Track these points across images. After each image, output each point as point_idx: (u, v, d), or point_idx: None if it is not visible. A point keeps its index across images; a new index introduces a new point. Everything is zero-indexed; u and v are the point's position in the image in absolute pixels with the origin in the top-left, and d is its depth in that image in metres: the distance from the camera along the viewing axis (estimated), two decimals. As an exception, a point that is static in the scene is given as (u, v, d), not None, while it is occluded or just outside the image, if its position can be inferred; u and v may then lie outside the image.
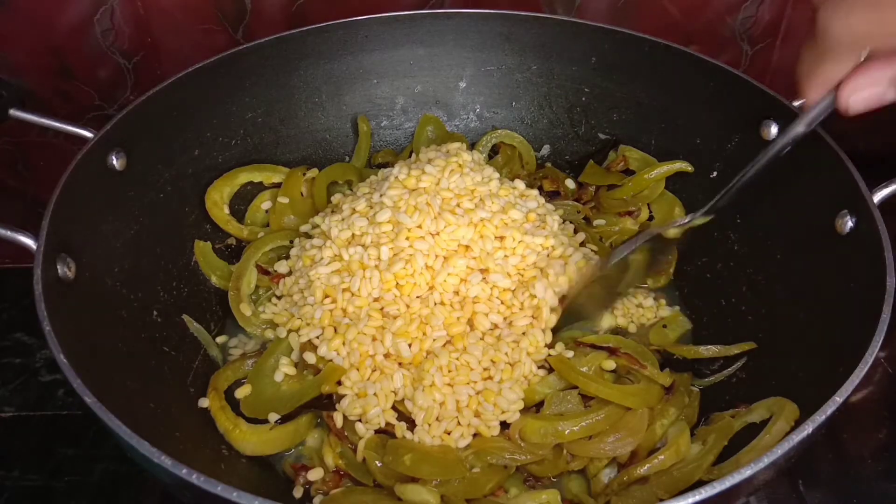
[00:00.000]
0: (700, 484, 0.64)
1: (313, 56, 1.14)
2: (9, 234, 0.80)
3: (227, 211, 1.09)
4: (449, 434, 0.85)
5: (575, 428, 0.83)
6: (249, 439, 0.86)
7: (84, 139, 0.92)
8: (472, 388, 0.87)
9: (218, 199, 1.08)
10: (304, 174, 1.14)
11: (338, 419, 0.87)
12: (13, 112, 0.97)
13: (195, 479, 0.62)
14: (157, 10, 1.18)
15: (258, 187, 1.13)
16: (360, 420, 0.87)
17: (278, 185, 1.13)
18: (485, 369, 0.89)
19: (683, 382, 0.90)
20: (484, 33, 1.17)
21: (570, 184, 1.16)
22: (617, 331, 0.99)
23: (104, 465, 1.00)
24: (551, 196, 1.13)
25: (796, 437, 0.65)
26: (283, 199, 1.11)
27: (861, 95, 0.69)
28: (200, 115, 1.06)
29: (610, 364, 0.90)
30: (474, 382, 0.88)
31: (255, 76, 1.11)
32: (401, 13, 1.15)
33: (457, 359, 0.88)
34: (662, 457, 0.80)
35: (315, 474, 0.84)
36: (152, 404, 0.82)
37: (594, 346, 0.92)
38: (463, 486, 0.80)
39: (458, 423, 0.86)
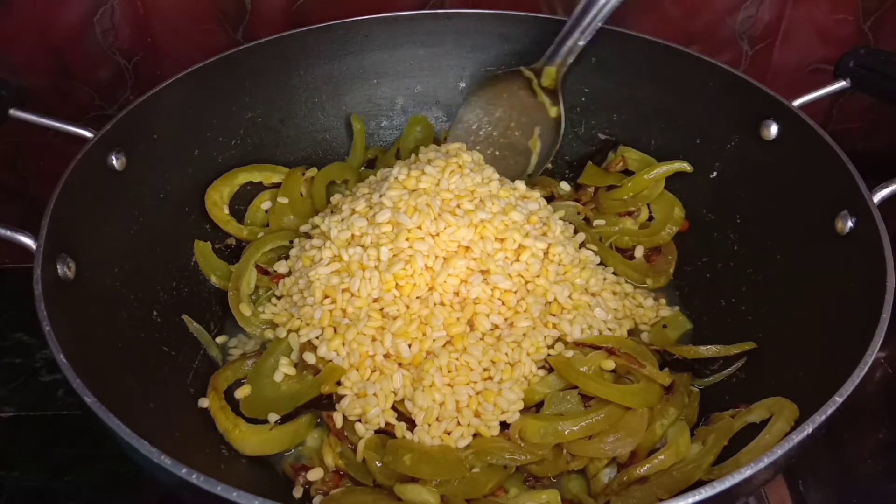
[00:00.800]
0: (700, 484, 0.64)
1: (313, 56, 1.15)
2: (9, 234, 0.80)
3: (226, 211, 1.09)
4: (449, 434, 0.85)
5: (575, 428, 0.83)
6: (249, 439, 0.86)
7: (84, 139, 0.92)
8: (472, 389, 0.87)
9: (218, 199, 1.08)
10: (304, 174, 1.14)
11: (338, 419, 0.87)
12: (13, 112, 0.97)
13: (195, 479, 0.62)
14: (157, 10, 1.18)
15: (258, 187, 1.13)
16: (359, 420, 0.87)
17: (278, 185, 1.13)
18: (485, 369, 0.89)
19: (683, 382, 0.90)
20: (484, 33, 1.17)
21: (564, 186, 1.16)
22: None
23: (104, 465, 0.99)
24: (547, 200, 1.13)
25: (796, 437, 0.66)
26: (283, 199, 1.11)
27: None
28: (200, 115, 1.06)
29: (610, 364, 0.90)
30: (474, 383, 0.88)
31: (255, 76, 1.11)
32: (401, 13, 1.15)
33: (457, 359, 0.88)
34: (662, 457, 0.80)
35: (315, 474, 0.84)
36: (152, 404, 0.82)
37: (594, 346, 0.91)
38: (463, 486, 0.80)
39: (458, 424, 0.86)
